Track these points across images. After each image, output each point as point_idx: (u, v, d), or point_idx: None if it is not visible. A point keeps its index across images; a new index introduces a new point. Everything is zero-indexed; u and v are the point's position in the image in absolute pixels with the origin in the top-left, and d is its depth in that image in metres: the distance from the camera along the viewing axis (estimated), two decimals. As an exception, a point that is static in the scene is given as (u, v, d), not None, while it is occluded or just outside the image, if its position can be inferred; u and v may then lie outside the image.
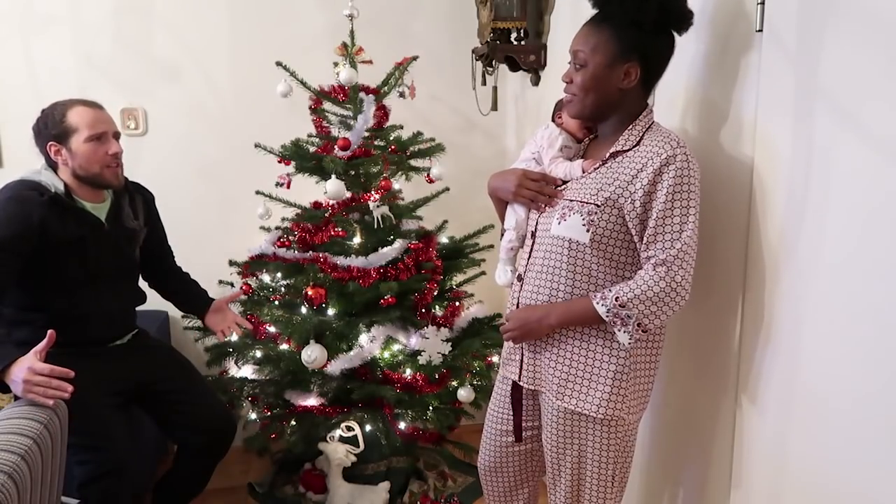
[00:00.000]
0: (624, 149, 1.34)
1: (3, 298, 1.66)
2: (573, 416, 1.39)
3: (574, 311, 1.34)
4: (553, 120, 1.56)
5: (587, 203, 1.33)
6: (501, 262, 1.56)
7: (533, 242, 1.45)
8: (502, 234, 1.57)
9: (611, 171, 1.34)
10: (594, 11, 1.35)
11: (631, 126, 1.35)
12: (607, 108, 1.36)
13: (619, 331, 1.29)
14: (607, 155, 1.36)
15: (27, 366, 1.42)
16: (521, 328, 1.41)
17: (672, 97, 1.61)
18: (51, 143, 1.74)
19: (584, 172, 1.40)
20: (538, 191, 1.42)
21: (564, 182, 1.44)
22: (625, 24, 1.28)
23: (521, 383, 1.49)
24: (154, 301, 2.10)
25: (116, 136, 1.81)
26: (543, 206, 1.43)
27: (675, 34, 1.33)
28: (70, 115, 1.74)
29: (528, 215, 1.50)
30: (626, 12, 1.27)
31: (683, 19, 1.30)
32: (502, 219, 1.58)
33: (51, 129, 1.74)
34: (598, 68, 1.31)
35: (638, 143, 1.33)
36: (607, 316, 1.28)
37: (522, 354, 1.48)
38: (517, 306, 1.46)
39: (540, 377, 1.45)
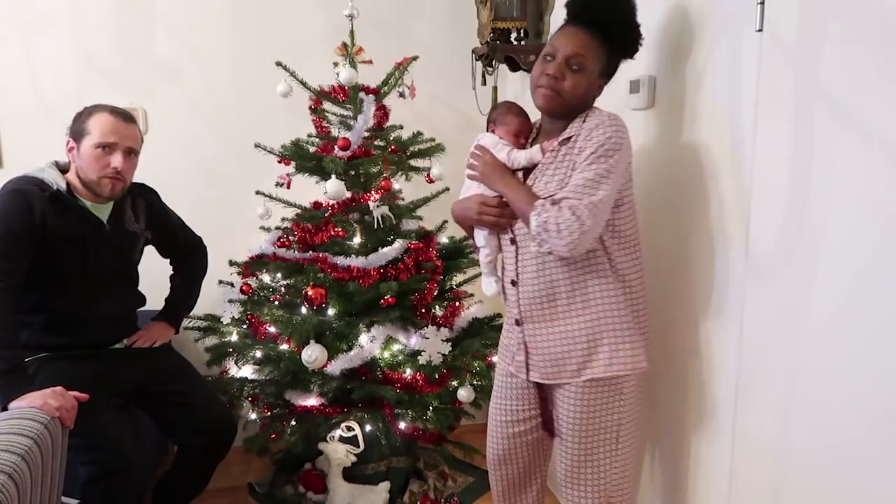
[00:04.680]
0: (572, 135, 1.41)
1: (18, 303, 1.66)
2: (596, 383, 1.44)
3: (520, 198, 1.41)
4: (488, 129, 1.61)
5: (555, 195, 1.39)
6: (484, 274, 1.62)
7: (516, 248, 1.49)
8: (477, 251, 1.63)
9: (566, 157, 1.41)
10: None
11: (577, 117, 1.43)
12: (577, 111, 1.43)
13: (533, 244, 1.38)
14: (557, 142, 1.43)
15: (53, 389, 1.50)
16: (483, 173, 1.51)
17: (672, 97, 1.61)
18: (70, 138, 1.78)
19: (544, 153, 1.45)
20: (498, 216, 1.48)
21: (527, 170, 1.48)
22: (618, 48, 1.41)
23: (535, 380, 1.53)
24: (154, 302, 2.10)
25: (130, 152, 1.79)
26: (505, 228, 1.49)
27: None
28: (92, 118, 1.75)
29: (493, 233, 1.56)
30: (628, 41, 1.41)
31: (634, 54, 1.45)
32: (471, 236, 1.63)
33: (75, 125, 1.77)
34: (591, 76, 1.40)
35: (582, 126, 1.41)
36: (535, 229, 1.34)
37: (527, 355, 1.52)
38: (520, 311, 1.51)
39: (554, 369, 1.48)
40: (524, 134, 1.55)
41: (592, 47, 1.38)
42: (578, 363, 1.44)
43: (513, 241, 1.50)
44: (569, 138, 1.41)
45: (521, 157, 1.48)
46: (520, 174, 1.49)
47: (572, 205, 1.30)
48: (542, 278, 1.45)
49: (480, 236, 1.57)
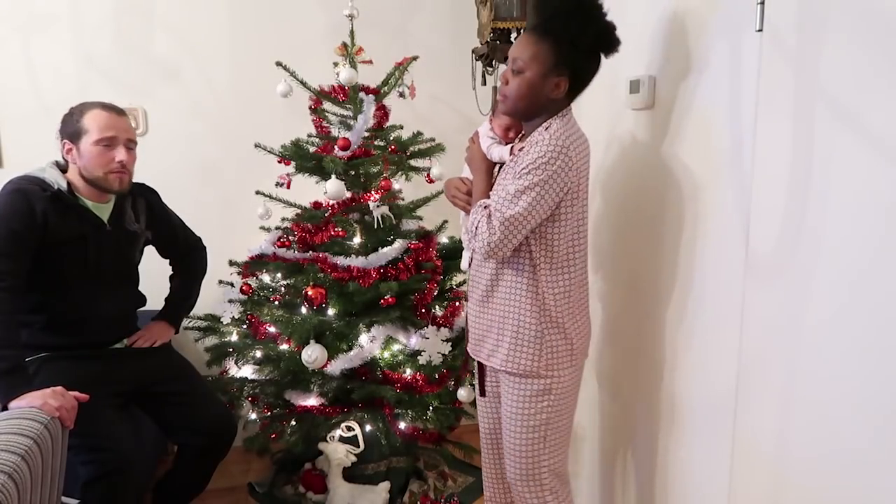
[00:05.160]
0: (523, 145, 1.47)
1: (19, 303, 1.65)
2: (519, 381, 1.55)
3: (476, 192, 1.54)
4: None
5: None
6: (464, 250, 1.77)
7: None
8: None
9: (512, 164, 1.46)
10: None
11: (542, 126, 1.47)
12: (535, 111, 1.48)
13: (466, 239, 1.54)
14: (518, 149, 1.48)
15: (53, 389, 1.50)
16: (468, 158, 1.61)
17: (672, 97, 1.61)
18: (65, 140, 1.76)
19: (511, 154, 1.52)
20: (465, 203, 1.59)
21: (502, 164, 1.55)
22: (563, 42, 1.40)
23: (468, 349, 1.67)
24: (154, 302, 2.10)
25: (130, 144, 1.80)
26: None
27: (603, 56, 1.45)
28: (87, 116, 1.74)
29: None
30: (567, 31, 1.39)
31: (613, 46, 1.44)
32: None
33: (68, 127, 1.76)
34: (533, 77, 1.43)
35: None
36: (469, 227, 1.47)
37: (467, 326, 1.67)
38: (469, 288, 1.65)
39: (477, 347, 1.62)
40: (516, 129, 1.60)
41: (532, 48, 1.42)
42: (490, 349, 1.58)
43: None
44: (523, 147, 1.46)
45: (495, 153, 1.55)
46: (497, 168, 1.57)
47: (491, 213, 1.42)
48: (479, 267, 1.59)
49: (462, 214, 1.67)
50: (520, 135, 1.61)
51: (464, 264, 1.76)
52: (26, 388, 1.50)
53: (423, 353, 2.11)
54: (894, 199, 1.02)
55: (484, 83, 2.45)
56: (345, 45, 2.17)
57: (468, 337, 1.67)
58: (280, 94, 2.13)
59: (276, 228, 2.31)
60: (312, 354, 2.00)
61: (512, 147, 1.53)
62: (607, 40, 1.43)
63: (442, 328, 2.18)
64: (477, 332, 1.61)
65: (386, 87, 2.22)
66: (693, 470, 1.61)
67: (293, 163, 2.21)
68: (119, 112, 1.80)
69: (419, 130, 2.31)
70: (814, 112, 1.16)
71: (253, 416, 2.26)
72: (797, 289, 1.23)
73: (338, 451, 2.18)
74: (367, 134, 2.17)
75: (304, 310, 2.16)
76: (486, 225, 1.40)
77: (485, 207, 1.44)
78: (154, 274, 2.10)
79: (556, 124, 1.43)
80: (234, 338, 2.26)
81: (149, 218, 1.97)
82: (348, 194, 2.13)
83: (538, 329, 1.50)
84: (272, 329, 2.18)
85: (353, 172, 2.16)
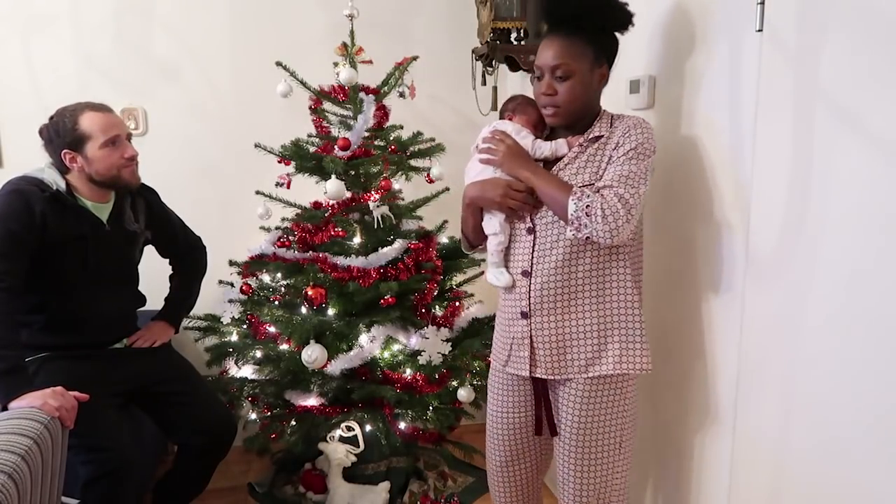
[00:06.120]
0: (601, 134, 1.43)
1: (18, 303, 1.65)
2: (602, 382, 1.45)
3: (551, 184, 1.40)
4: (502, 118, 1.60)
5: (590, 186, 1.39)
6: (493, 264, 1.54)
7: (534, 238, 1.46)
8: (472, 245, 1.64)
9: (599, 152, 1.42)
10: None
11: (598, 118, 1.46)
12: (588, 109, 1.45)
13: (569, 229, 1.36)
14: (588, 137, 1.44)
15: (53, 389, 1.50)
16: (507, 155, 1.46)
17: (672, 97, 1.61)
18: (65, 150, 1.73)
19: (570, 147, 1.46)
20: (524, 201, 1.45)
21: (548, 161, 1.48)
22: (595, 32, 1.40)
23: (539, 376, 1.49)
24: (154, 302, 2.10)
25: (128, 137, 1.82)
26: (525, 215, 1.47)
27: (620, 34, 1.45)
28: (82, 121, 1.72)
29: (509, 220, 1.51)
30: (597, 21, 1.39)
31: (631, 21, 1.43)
32: (469, 225, 1.58)
33: (63, 137, 1.72)
34: (583, 75, 1.40)
35: (611, 128, 1.44)
36: (574, 214, 1.33)
37: (532, 349, 1.48)
38: (529, 303, 1.46)
39: (561, 364, 1.46)
40: (540, 127, 1.56)
41: (572, 48, 1.38)
42: (587, 359, 1.43)
43: (530, 231, 1.46)
44: (598, 137, 1.43)
45: (545, 148, 1.49)
46: (539, 164, 1.48)
47: (618, 193, 1.32)
48: (563, 269, 1.42)
49: (495, 222, 1.50)
50: (544, 130, 1.56)
51: (502, 280, 1.51)
52: (26, 388, 1.50)
53: (423, 353, 2.10)
54: (894, 199, 1.02)
55: (484, 83, 2.45)
56: (345, 45, 2.17)
57: (536, 360, 1.48)
58: (280, 94, 2.13)
59: (276, 228, 2.31)
60: (312, 354, 2.00)
61: (567, 140, 1.47)
62: (627, 17, 1.41)
63: (442, 328, 2.18)
64: (561, 347, 1.45)
65: (386, 87, 2.22)
66: (693, 467, 1.61)
67: (293, 163, 2.21)
68: (109, 109, 1.80)
69: (419, 130, 2.31)
70: (814, 112, 1.17)
71: (253, 416, 2.26)
72: (797, 289, 1.23)
73: (338, 451, 2.17)
74: (367, 134, 2.17)
75: (304, 310, 2.16)
76: (616, 203, 1.30)
77: (597, 191, 1.34)
78: (154, 274, 2.10)
79: (625, 115, 1.45)
80: (234, 338, 2.26)
81: (148, 218, 1.97)
82: (348, 194, 2.13)
83: (643, 319, 1.45)
84: (272, 329, 2.18)
85: (353, 172, 2.16)
